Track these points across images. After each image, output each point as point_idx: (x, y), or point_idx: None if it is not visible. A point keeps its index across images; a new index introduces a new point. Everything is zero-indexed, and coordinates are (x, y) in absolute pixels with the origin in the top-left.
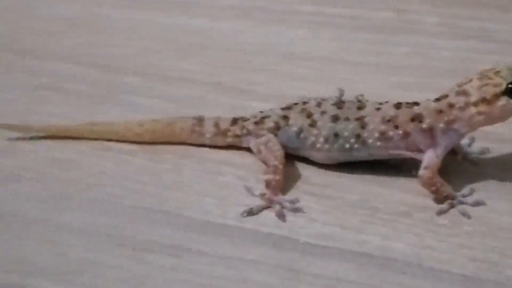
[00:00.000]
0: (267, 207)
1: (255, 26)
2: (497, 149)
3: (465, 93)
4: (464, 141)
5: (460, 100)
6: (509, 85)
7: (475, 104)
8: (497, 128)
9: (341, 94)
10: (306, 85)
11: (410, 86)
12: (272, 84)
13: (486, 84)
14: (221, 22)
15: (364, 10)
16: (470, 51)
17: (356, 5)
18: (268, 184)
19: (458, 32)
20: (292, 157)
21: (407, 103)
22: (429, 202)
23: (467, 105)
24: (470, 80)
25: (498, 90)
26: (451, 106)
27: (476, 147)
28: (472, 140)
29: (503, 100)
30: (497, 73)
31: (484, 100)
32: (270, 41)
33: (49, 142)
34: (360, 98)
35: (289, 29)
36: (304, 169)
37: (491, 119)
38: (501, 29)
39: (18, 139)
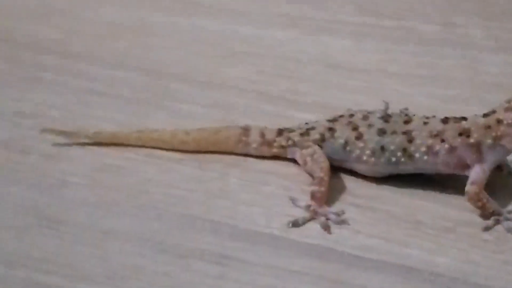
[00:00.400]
0: (312, 219)
1: (302, 35)
2: None
3: None
4: (511, 157)
5: (508, 117)
6: None
7: None
8: None
9: (386, 107)
10: (351, 97)
11: (456, 100)
12: (317, 95)
13: None
14: (269, 30)
15: (410, 22)
16: None
17: (402, 16)
18: (313, 195)
19: (506, 45)
20: (337, 169)
21: (455, 117)
22: (475, 217)
23: None
24: None
25: None
26: (499, 122)
27: None
28: None
29: None
30: None
31: None
32: (317, 50)
33: (96, 148)
34: (405, 111)
35: (336, 39)
36: (349, 181)
37: None
38: None
39: (66, 144)
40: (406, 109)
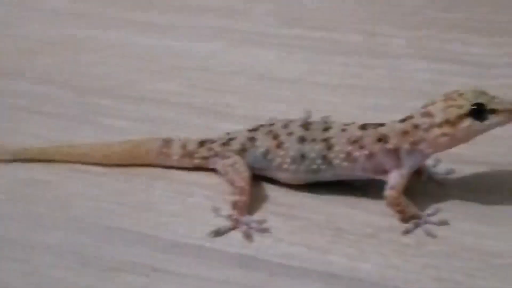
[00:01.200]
0: (234, 228)
1: (230, 47)
2: (462, 170)
3: (429, 114)
4: (429, 162)
5: (424, 122)
6: (473, 107)
7: (439, 125)
8: (462, 149)
9: (308, 116)
10: (279, 107)
11: (380, 108)
12: (245, 106)
13: (450, 106)
14: (197, 44)
15: (335, 33)
16: (439, 74)
17: (327, 28)
18: (234, 205)
19: (427, 54)
20: (259, 178)
21: (373, 124)
22: (395, 222)
23: (431, 126)
24: (435, 102)
25: (461, 111)
26: (416, 127)
27: (441, 168)
28: (437, 161)
29: (467, 122)
30: (461, 95)
31: (448, 122)
32: (245, 62)
33: (21, 164)
34: (326, 119)
35: (263, 51)
36: (271, 190)
37: (455, 140)
38: (470, 52)
39: None
40: (328, 117)
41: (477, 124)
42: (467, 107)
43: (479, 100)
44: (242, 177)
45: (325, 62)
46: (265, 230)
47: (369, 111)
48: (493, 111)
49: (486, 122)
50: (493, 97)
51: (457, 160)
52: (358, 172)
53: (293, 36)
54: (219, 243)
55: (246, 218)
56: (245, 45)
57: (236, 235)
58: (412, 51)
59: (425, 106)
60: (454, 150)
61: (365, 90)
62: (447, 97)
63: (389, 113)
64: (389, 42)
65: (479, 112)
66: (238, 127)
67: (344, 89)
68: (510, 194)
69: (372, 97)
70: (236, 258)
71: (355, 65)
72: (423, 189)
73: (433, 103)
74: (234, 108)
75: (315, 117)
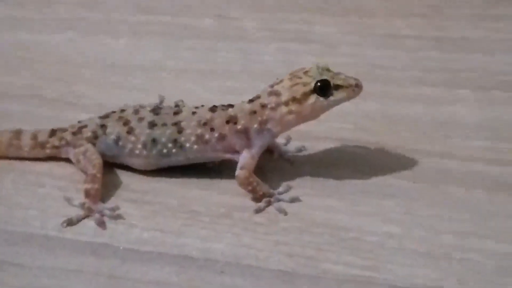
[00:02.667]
0: (87, 216)
1: (79, 37)
2: (312, 147)
3: (276, 93)
4: (281, 141)
5: (271, 101)
6: (317, 83)
7: (286, 103)
8: (312, 126)
9: (161, 101)
10: (131, 95)
11: (233, 91)
12: (99, 95)
13: (296, 84)
14: (46, 35)
15: (186, 18)
16: (289, 53)
17: (178, 12)
18: (87, 193)
19: (278, 36)
20: (112, 165)
21: (222, 105)
22: (248, 201)
23: (278, 105)
24: (281, 81)
25: (307, 88)
26: (263, 106)
27: (292, 146)
28: (289, 139)
29: (312, 98)
30: (306, 72)
31: (294, 99)
32: (96, 52)
33: None
34: (179, 103)
35: (113, 39)
36: (124, 177)
37: (302, 118)
38: (316, 31)
39: None
40: (181, 101)
41: (322, 100)
42: (312, 84)
43: (324, 77)
44: (93, 165)
45: (177, 47)
46: (118, 217)
47: (221, 94)
48: (338, 87)
49: (331, 98)
50: (337, 74)
51: (308, 137)
52: (210, 154)
53: (144, 22)
54: (72, 232)
55: (99, 206)
56: (96, 34)
57: (89, 224)
58: (264, 33)
59: (272, 85)
60: (304, 127)
61: (218, 73)
62: (293, 75)
63: (242, 95)
64: (241, 25)
65: (323, 88)
66: (88, 116)
67: (197, 73)
68: (358, 168)
69: (225, 80)
70: (89, 247)
71: (207, 49)
72: (275, 167)
73: (279, 82)
74: (86, 98)
75: (169, 102)
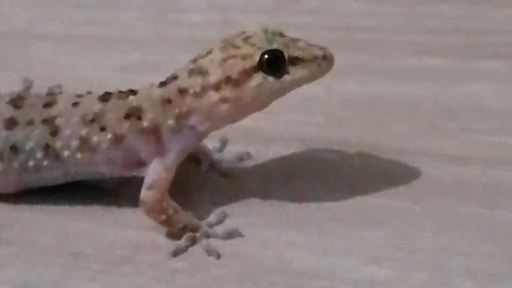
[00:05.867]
0: None
1: None
2: (260, 154)
3: (201, 71)
4: (212, 144)
5: (195, 83)
6: (264, 56)
7: (217, 86)
8: (260, 121)
9: (27, 86)
10: None
11: (140, 68)
12: None
13: (232, 57)
14: None
15: None
16: (227, 11)
17: None
18: None
19: None
20: None
21: (120, 92)
22: (160, 239)
23: (205, 89)
24: (210, 52)
25: (248, 64)
26: (182, 92)
27: (230, 152)
28: (224, 141)
29: (257, 78)
30: (247, 39)
31: (229, 80)
32: None
33: None
34: (55, 90)
35: None
36: None
37: (242, 108)
38: None
39: None
40: (59, 86)
41: (272, 81)
42: (255, 56)
43: (274, 46)
44: None
45: (56, 4)
46: None
47: (120, 73)
48: (295, 61)
49: (286, 78)
50: (295, 40)
51: (254, 138)
52: (100, 167)
53: None
54: None
55: None
56: None
57: None
58: None
59: (196, 59)
60: (248, 123)
61: (115, 42)
62: (227, 43)
63: (153, 73)
64: None
65: (273, 63)
66: None
67: (82, 42)
68: (329, 183)
69: (125, 51)
70: None
71: (102, 5)
72: (203, 184)
73: (206, 54)
74: None
75: (40, 88)
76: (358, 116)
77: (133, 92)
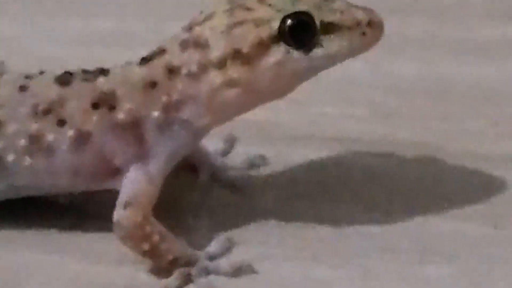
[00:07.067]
0: None
1: None
2: (282, 158)
3: (199, 43)
4: (215, 145)
5: (189, 59)
6: (288, 21)
7: (220, 64)
8: (281, 114)
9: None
10: None
11: (112, 38)
12: None
13: (241, 23)
14: None
15: None
16: None
17: None
18: None
19: None
20: None
21: (85, 72)
22: (141, 276)
23: (204, 68)
24: (210, 17)
25: (265, 32)
26: (172, 72)
27: (239, 156)
28: (231, 141)
29: (277, 53)
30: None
31: (237, 56)
32: None
33: None
34: None
35: None
36: None
37: (256, 95)
38: None
39: None
40: (2, 62)
41: (297, 56)
42: (275, 22)
43: (301, 7)
44: None
45: None
46: None
47: (81, 45)
48: (329, 28)
49: (317, 52)
50: (328, 1)
51: (273, 137)
52: (58, 178)
53: None
54: None
55: None
56: None
57: None
58: None
59: (191, 26)
60: (264, 116)
61: (74, 4)
62: (235, 4)
63: (127, 46)
64: None
65: (299, 31)
66: None
67: (28, 5)
68: (374, 200)
69: (89, 17)
70: None
71: None
72: (200, 201)
73: (205, 19)
74: None
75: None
76: (414, 108)
77: (103, 72)
